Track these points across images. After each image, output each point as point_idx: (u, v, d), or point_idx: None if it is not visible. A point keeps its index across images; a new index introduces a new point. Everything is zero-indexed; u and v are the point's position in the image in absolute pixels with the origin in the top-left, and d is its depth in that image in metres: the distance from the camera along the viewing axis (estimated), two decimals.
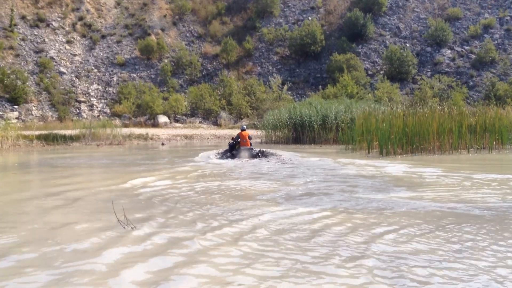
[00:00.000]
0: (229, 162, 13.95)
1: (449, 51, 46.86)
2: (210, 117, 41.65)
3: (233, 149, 15.82)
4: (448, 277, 3.62)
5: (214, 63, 48.72)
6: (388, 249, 4.31)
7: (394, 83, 42.64)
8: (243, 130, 15.94)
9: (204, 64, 48.33)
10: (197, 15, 52.69)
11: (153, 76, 45.97)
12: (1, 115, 34.21)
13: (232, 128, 38.03)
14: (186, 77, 46.59)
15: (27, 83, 39.29)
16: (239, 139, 15.70)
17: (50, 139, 25.31)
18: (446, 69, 45.11)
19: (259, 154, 15.59)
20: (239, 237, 4.79)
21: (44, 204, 6.96)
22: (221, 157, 15.69)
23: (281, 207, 6.40)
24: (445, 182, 8.75)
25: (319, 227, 5.22)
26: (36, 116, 38.04)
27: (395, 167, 11.55)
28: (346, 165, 12.32)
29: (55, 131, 27.74)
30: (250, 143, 15.75)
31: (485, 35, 47.46)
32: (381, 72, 45.44)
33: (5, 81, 37.43)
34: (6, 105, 37.14)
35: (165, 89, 44.46)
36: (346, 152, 18.08)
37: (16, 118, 36.27)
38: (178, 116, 41.12)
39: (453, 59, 46.02)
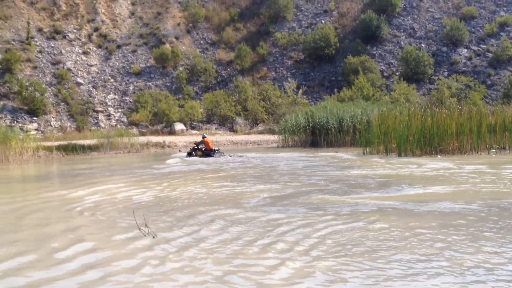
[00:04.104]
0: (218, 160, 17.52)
1: (466, 50, 46.32)
2: (226, 123, 41.72)
3: (201, 153, 19.31)
4: None
5: (229, 69, 48.85)
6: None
7: (411, 84, 42.23)
8: (204, 137, 19.70)
9: (219, 71, 48.47)
10: (211, 22, 52.92)
11: (168, 84, 46.26)
12: (20, 127, 34.70)
13: (248, 133, 38.04)
14: (201, 84, 46.78)
15: (45, 95, 39.82)
16: (203, 145, 19.43)
17: (69, 149, 25.58)
18: (463, 68, 44.57)
19: (225, 154, 19.57)
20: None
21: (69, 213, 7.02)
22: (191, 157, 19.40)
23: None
24: None
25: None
26: (55, 127, 38.53)
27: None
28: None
29: (74, 141, 28.01)
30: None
31: (502, 33, 46.80)
32: (397, 73, 45.09)
33: (24, 93, 37.98)
34: (25, 117, 37.69)
35: (180, 96, 44.68)
36: (365, 154, 17.91)
37: (36, 129, 36.77)
38: (194, 123, 41.28)
39: (469, 59, 45.46)
